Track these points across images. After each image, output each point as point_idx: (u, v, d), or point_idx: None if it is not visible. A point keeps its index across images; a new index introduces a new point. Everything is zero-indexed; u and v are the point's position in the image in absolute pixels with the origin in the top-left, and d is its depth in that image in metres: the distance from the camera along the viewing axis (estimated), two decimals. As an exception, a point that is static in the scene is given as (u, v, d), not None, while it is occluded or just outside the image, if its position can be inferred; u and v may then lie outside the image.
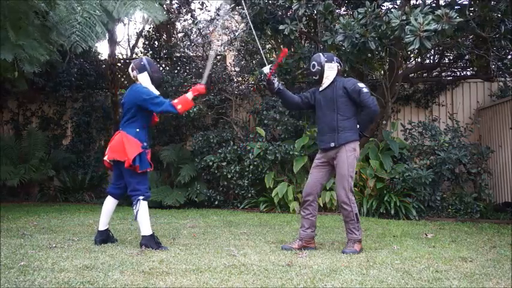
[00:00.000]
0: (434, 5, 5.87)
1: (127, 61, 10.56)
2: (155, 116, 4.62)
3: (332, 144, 4.30)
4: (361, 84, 4.31)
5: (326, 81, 4.40)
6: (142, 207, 4.31)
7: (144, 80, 4.42)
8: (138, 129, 4.36)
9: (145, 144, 4.36)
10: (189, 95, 4.38)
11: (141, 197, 4.31)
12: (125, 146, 4.28)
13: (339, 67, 4.45)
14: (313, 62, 4.43)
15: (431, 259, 3.91)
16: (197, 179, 8.18)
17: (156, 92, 4.42)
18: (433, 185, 6.89)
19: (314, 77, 4.46)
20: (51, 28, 6.77)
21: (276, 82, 4.48)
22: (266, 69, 4.51)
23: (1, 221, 6.10)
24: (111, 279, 3.18)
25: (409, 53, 7.88)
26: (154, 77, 4.44)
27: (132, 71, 4.46)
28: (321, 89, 4.46)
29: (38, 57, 6.50)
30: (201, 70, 8.52)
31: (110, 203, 4.56)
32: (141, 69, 4.41)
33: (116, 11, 6.72)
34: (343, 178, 4.26)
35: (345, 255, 4.06)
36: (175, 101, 4.34)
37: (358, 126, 4.36)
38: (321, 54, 4.50)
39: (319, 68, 4.38)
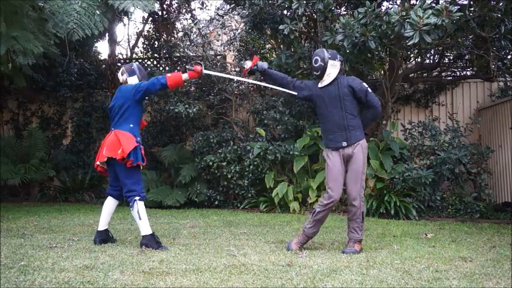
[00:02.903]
0: (434, 4, 5.86)
1: (127, 61, 10.56)
2: (143, 120, 4.73)
3: (344, 144, 4.23)
4: (365, 84, 4.32)
5: (327, 79, 4.31)
6: (140, 207, 4.35)
7: (133, 83, 4.56)
8: (132, 125, 4.44)
9: (138, 139, 4.44)
10: (185, 75, 4.50)
11: (137, 198, 4.35)
12: (121, 141, 4.33)
13: (341, 65, 4.39)
14: (316, 57, 4.33)
15: (431, 259, 3.91)
16: (197, 179, 8.18)
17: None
18: (433, 185, 6.89)
19: (315, 72, 4.37)
20: (47, 20, 6.77)
21: (259, 66, 4.63)
22: (247, 64, 4.77)
23: (1, 221, 6.10)
24: (111, 279, 3.18)
25: (409, 53, 7.88)
26: (143, 82, 4.55)
27: (122, 75, 4.61)
28: (320, 85, 4.36)
29: (32, 49, 6.50)
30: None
31: (109, 203, 4.61)
32: (131, 73, 4.58)
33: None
34: (358, 175, 4.22)
35: (345, 255, 4.05)
36: (169, 74, 4.44)
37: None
38: (324, 50, 4.40)
39: (322, 64, 4.30)
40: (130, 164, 4.31)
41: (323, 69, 4.31)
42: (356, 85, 4.27)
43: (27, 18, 6.53)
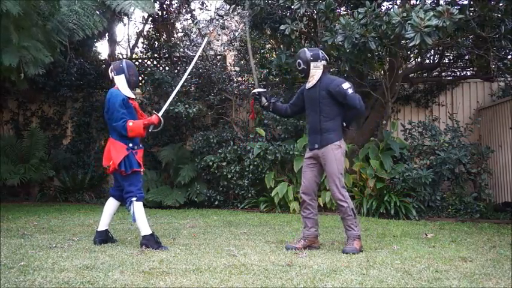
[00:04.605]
0: (434, 4, 5.86)
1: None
2: (143, 115, 4.69)
3: (316, 146, 4.34)
4: (345, 85, 4.22)
5: (312, 80, 4.36)
6: (136, 208, 4.35)
7: (120, 82, 4.49)
8: None
9: (130, 145, 4.39)
10: (141, 124, 4.37)
11: (133, 198, 4.36)
12: (111, 151, 4.37)
13: (326, 64, 4.39)
14: (299, 60, 4.38)
15: (431, 259, 3.91)
16: (197, 179, 8.18)
17: (131, 95, 4.50)
18: (433, 185, 6.89)
19: (301, 75, 4.48)
20: (54, 29, 6.80)
21: (265, 100, 4.66)
22: (257, 90, 4.73)
23: (1, 221, 6.10)
24: (111, 279, 3.18)
25: (409, 53, 7.88)
26: (131, 80, 4.51)
27: (111, 72, 4.55)
28: (307, 86, 4.43)
29: (43, 59, 6.49)
30: (200, 70, 8.51)
31: (110, 204, 4.62)
32: (119, 71, 4.49)
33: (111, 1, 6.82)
34: (333, 176, 4.28)
35: (345, 255, 4.05)
36: (131, 124, 4.31)
37: (344, 123, 4.37)
38: (306, 50, 4.40)
39: (305, 67, 4.35)
40: (125, 173, 4.34)
41: (306, 72, 4.37)
42: (333, 87, 4.23)
43: (36, 28, 6.52)
